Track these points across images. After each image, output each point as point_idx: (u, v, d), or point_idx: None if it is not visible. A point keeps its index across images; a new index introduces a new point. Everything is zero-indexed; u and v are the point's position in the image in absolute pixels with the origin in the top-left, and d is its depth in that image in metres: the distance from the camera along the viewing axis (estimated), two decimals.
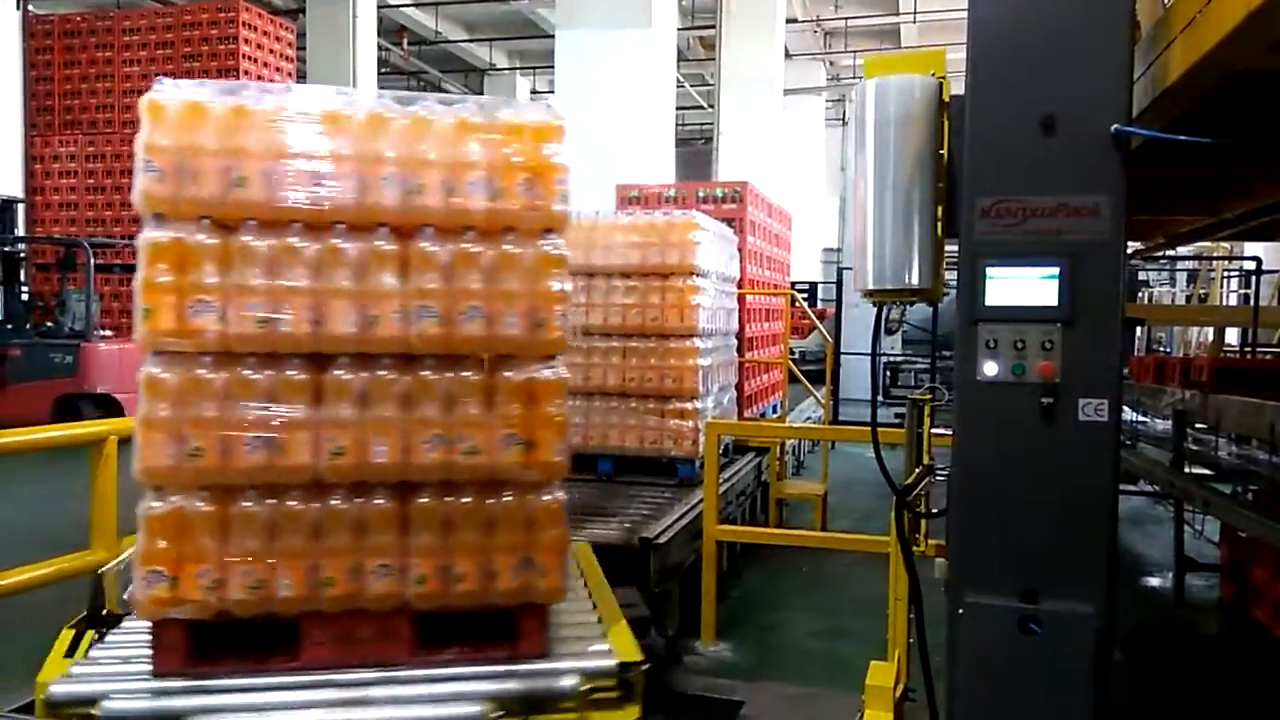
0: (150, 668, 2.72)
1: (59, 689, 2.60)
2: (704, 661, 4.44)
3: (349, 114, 2.84)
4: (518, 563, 2.86)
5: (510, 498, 2.88)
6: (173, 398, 2.70)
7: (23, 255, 11.38)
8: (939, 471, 3.48)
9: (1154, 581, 6.06)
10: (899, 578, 2.98)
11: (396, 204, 2.80)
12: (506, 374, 2.90)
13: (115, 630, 3.03)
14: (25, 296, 11.33)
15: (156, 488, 2.73)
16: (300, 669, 2.75)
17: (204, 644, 2.74)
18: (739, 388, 7.06)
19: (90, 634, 2.97)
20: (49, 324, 11.17)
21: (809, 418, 9.63)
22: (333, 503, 2.79)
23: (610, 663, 2.84)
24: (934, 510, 2.67)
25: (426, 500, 2.84)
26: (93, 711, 2.55)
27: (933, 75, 2.40)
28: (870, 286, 2.42)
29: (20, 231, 11.62)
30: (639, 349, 5.72)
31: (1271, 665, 4.66)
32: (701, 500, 4.85)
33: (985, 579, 2.27)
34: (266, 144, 2.76)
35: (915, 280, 2.37)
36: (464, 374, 2.86)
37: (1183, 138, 2.34)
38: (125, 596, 2.79)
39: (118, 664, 2.80)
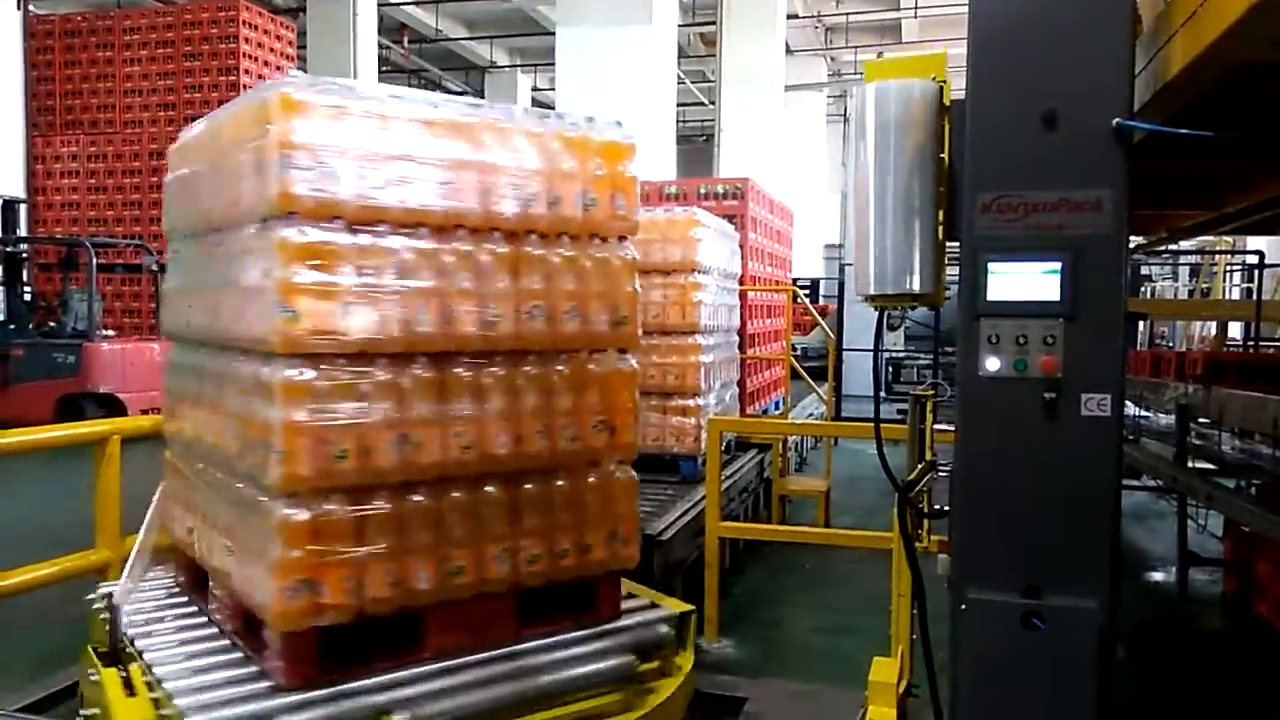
0: (267, 683, 2.63)
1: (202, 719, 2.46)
2: (707, 658, 4.44)
3: (465, 121, 2.94)
4: (607, 535, 3.24)
5: (594, 479, 3.23)
6: (317, 401, 2.62)
7: (25, 255, 11.40)
8: (941, 467, 3.48)
9: (1157, 576, 6.06)
10: (901, 574, 2.97)
11: (514, 211, 3.00)
12: (591, 366, 3.24)
13: (149, 655, 2.87)
14: (28, 296, 11.35)
15: (293, 494, 2.62)
16: (429, 659, 2.82)
17: (331, 650, 2.69)
18: (741, 384, 7.06)
19: (136, 668, 2.82)
20: (51, 324, 11.20)
21: (811, 414, 9.63)
22: (454, 495, 2.90)
23: (670, 612, 3.34)
24: (937, 507, 2.67)
25: (532, 486, 3.06)
26: None
27: (933, 79, 2.40)
28: (871, 291, 2.41)
29: (22, 231, 11.64)
30: (641, 346, 5.70)
31: (1275, 660, 4.66)
32: (704, 497, 4.84)
33: (988, 575, 2.27)
34: (397, 148, 2.78)
35: (916, 285, 2.36)
36: (559, 367, 3.13)
37: (1184, 131, 2.33)
38: (273, 611, 2.62)
39: (227, 686, 2.64)
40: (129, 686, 2.72)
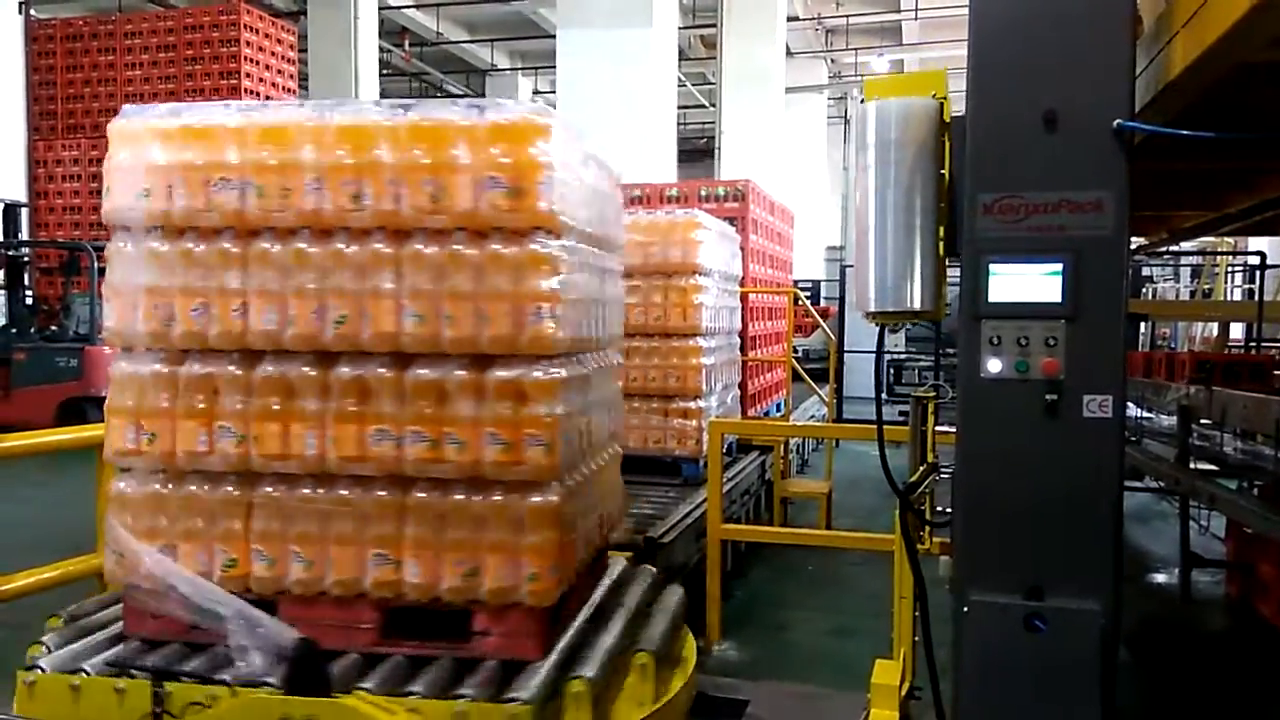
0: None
1: None
2: (709, 661, 4.43)
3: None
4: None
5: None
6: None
7: (26, 259, 11.41)
8: (943, 469, 3.47)
9: (1160, 578, 6.05)
10: (903, 576, 2.97)
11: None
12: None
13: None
14: (29, 301, 11.36)
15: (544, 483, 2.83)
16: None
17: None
18: (742, 386, 7.05)
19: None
20: (53, 328, 11.20)
21: (813, 416, 9.62)
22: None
23: None
24: (939, 509, 2.67)
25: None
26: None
27: (933, 95, 2.41)
28: (872, 308, 2.43)
29: (24, 235, 11.65)
30: (642, 348, 5.71)
31: (1278, 660, 4.65)
32: (705, 499, 4.84)
33: (990, 576, 2.27)
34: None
35: (917, 303, 2.37)
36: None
37: (1185, 132, 2.33)
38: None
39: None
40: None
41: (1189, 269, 16.72)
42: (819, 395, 8.73)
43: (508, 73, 24.11)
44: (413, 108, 2.92)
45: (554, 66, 11.42)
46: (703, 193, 7.31)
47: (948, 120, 2.40)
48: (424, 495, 2.86)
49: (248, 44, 13.08)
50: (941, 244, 2.39)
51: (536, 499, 2.82)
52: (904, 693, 2.85)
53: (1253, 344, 9.66)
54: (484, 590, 2.81)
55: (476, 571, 2.81)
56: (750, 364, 7.39)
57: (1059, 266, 2.20)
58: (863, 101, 2.45)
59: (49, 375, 10.38)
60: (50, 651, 2.92)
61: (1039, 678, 2.21)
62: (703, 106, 23.65)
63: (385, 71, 20.12)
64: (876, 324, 2.55)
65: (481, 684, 2.69)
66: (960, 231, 2.32)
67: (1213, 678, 4.51)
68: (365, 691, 2.64)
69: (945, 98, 2.42)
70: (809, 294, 16.19)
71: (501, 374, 2.80)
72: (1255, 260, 10.73)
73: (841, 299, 13.13)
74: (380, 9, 17.28)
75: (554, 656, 2.83)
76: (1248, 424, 4.90)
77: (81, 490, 3.25)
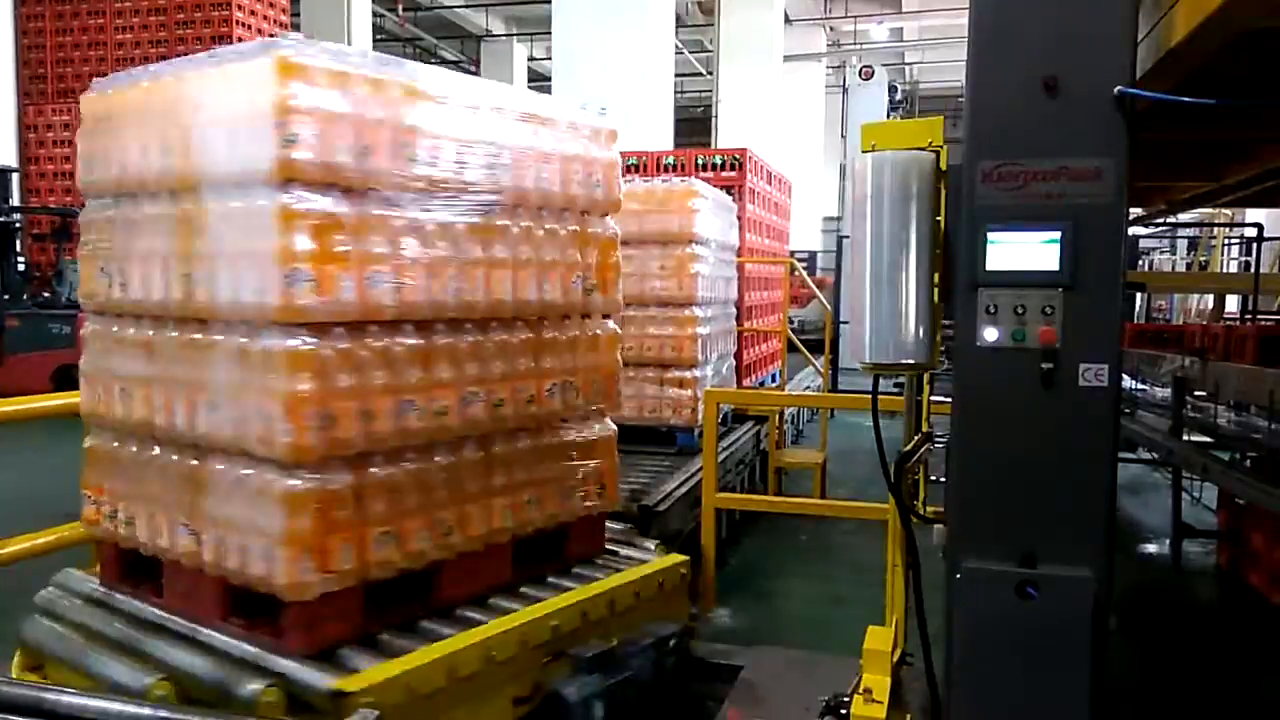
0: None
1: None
2: (704, 627, 4.47)
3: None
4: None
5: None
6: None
7: (18, 226, 11.33)
8: (938, 439, 3.48)
9: (1151, 548, 6.10)
10: (896, 544, 2.98)
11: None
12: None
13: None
14: (22, 267, 11.30)
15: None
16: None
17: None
18: (738, 356, 7.06)
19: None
20: (46, 294, 11.15)
21: (808, 386, 9.63)
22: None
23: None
24: (933, 478, 2.68)
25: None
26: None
27: (929, 144, 2.41)
28: (867, 360, 2.44)
29: (15, 201, 11.56)
30: (637, 318, 5.70)
31: (1267, 630, 4.70)
32: (700, 468, 4.85)
33: (983, 544, 2.28)
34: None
35: (911, 357, 2.40)
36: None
37: (1187, 99, 2.31)
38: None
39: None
40: None
41: (1186, 241, 16.70)
42: (814, 366, 8.73)
43: (503, 39, 23.87)
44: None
45: (550, 33, 11.30)
46: (700, 161, 7.26)
47: (944, 169, 2.41)
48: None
49: (239, 7, 12.91)
50: (936, 290, 2.41)
51: None
52: (896, 659, 2.87)
53: (1249, 316, 9.67)
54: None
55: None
56: (746, 334, 7.39)
57: (1057, 235, 2.19)
58: (862, 151, 2.45)
59: (43, 342, 10.35)
60: None
61: (1030, 644, 2.22)
62: (700, 75, 23.48)
63: (379, 36, 19.91)
64: (871, 374, 2.58)
65: None
66: (955, 278, 2.34)
67: (1202, 647, 4.56)
68: None
69: (942, 145, 2.44)
70: (805, 264, 16.17)
71: None
72: (1252, 232, 10.71)
73: (838, 269, 13.10)
74: None
75: None
76: (1242, 396, 4.91)
77: (75, 456, 3.25)
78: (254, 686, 2.48)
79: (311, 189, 2.62)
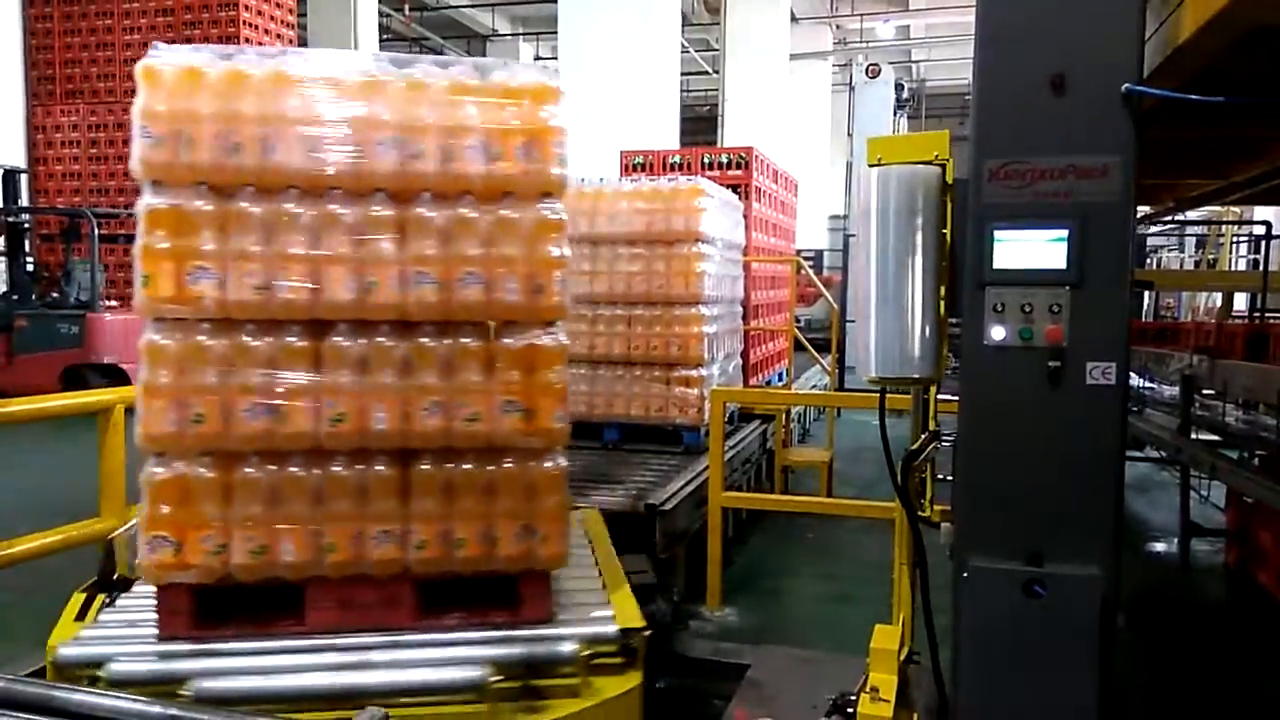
0: (156, 632, 2.76)
1: (67, 651, 2.64)
2: (710, 626, 4.47)
3: (344, 78, 2.82)
4: (519, 529, 2.88)
5: (511, 464, 2.89)
6: (174, 364, 2.71)
7: (27, 226, 11.37)
8: (945, 437, 3.47)
9: (1159, 547, 6.07)
10: (903, 543, 2.98)
11: (393, 169, 2.78)
12: (506, 340, 2.90)
13: (125, 595, 3.07)
14: (30, 267, 11.34)
15: (159, 454, 2.74)
16: (304, 633, 2.78)
17: (209, 609, 2.77)
18: (744, 355, 7.05)
19: (100, 599, 3.01)
20: (55, 295, 11.19)
21: (814, 385, 9.62)
22: (334, 469, 2.79)
23: (611, 629, 2.87)
24: (940, 476, 2.67)
25: (427, 466, 2.84)
26: (99, 673, 2.58)
27: (935, 158, 2.41)
28: (873, 374, 2.45)
29: (24, 202, 11.60)
30: (644, 317, 5.70)
31: (1276, 630, 4.68)
32: (707, 467, 4.86)
33: (990, 542, 2.27)
34: (262, 109, 2.74)
35: (916, 370, 2.40)
36: (463, 340, 2.86)
37: (1194, 97, 2.30)
38: (136, 562, 2.80)
39: (125, 628, 2.84)
40: (84, 614, 2.94)
41: (1194, 239, 16.63)
42: (821, 365, 8.72)
43: (509, 38, 23.88)
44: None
45: (556, 32, 11.30)
46: (706, 160, 7.26)
47: (950, 182, 2.41)
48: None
49: (246, 8, 12.94)
50: (943, 304, 2.41)
51: None
52: (903, 658, 2.87)
53: (1257, 314, 9.63)
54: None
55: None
56: (752, 333, 7.38)
57: (1064, 233, 2.18)
58: (868, 165, 2.45)
59: (51, 342, 10.39)
60: None
61: (1038, 643, 2.22)
62: (706, 73, 23.46)
63: (385, 36, 19.94)
64: (878, 387, 2.58)
65: None
66: (960, 293, 2.34)
67: (1210, 646, 4.54)
68: None
69: (948, 159, 2.44)
70: (812, 263, 16.15)
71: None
72: (1261, 230, 10.66)
73: (844, 268, 13.07)
74: None
75: None
76: (1250, 394, 4.90)
77: (84, 456, 3.26)
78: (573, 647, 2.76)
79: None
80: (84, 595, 3.02)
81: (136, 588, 3.09)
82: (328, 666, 2.67)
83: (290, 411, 2.74)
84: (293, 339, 2.78)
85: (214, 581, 2.75)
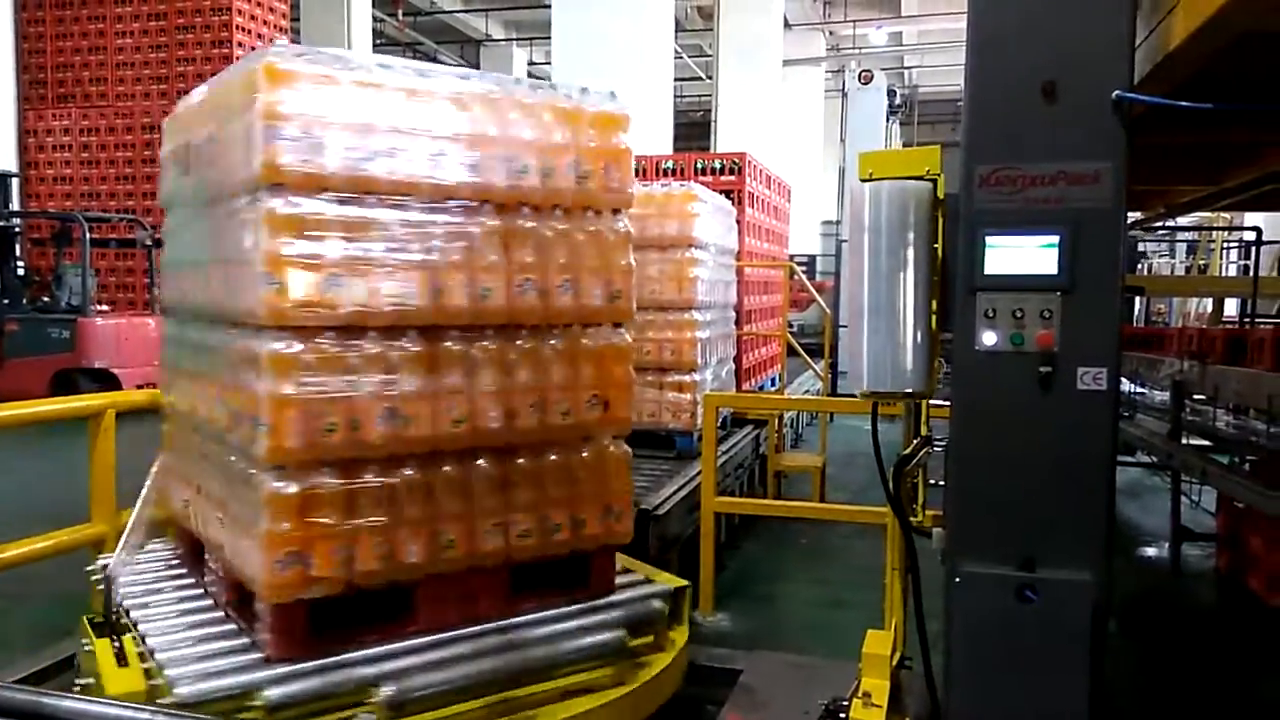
0: (258, 654, 2.64)
1: (191, 689, 2.44)
2: (702, 631, 4.46)
3: (464, 93, 2.93)
4: (601, 510, 3.23)
5: (589, 452, 3.22)
6: (305, 374, 2.62)
7: (18, 230, 11.33)
8: (937, 442, 3.48)
9: (1150, 551, 6.09)
10: (895, 548, 2.99)
11: (504, 183, 2.97)
12: (585, 341, 3.20)
13: (143, 625, 2.89)
14: (21, 271, 11.29)
15: (281, 467, 2.62)
16: (421, 631, 2.84)
17: (322, 622, 2.71)
18: (737, 360, 7.05)
19: (129, 639, 2.83)
20: (45, 299, 11.14)
21: (807, 390, 9.63)
22: (446, 469, 2.90)
23: (667, 587, 3.38)
24: (932, 481, 2.68)
25: (524, 461, 3.06)
26: (254, 703, 2.46)
27: (926, 173, 2.42)
28: (865, 388, 2.46)
29: (15, 206, 11.56)
30: (636, 321, 5.65)
31: (1266, 634, 4.69)
32: (700, 472, 4.85)
33: (982, 548, 2.28)
34: (394, 120, 2.77)
35: (909, 384, 2.42)
36: (552, 341, 3.12)
37: (1184, 103, 2.31)
38: (262, 581, 2.63)
39: (218, 658, 2.66)
40: (121, 657, 2.73)
41: (1185, 245, 16.71)
42: (814, 370, 8.73)
43: (502, 43, 23.90)
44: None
45: (549, 37, 11.32)
46: (699, 165, 7.26)
47: (941, 197, 2.42)
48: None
49: (239, 12, 12.92)
50: (934, 318, 2.42)
51: None
52: (895, 663, 2.87)
53: (1247, 320, 9.67)
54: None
55: None
56: (745, 338, 7.38)
57: (1055, 239, 2.19)
58: (860, 180, 2.46)
59: (42, 346, 10.34)
60: None
61: (1029, 648, 2.22)
62: (700, 79, 23.51)
63: (379, 41, 19.94)
64: (870, 401, 2.59)
65: None
66: (953, 308, 2.35)
67: (1201, 650, 4.55)
68: None
69: (939, 174, 2.45)
70: (805, 268, 16.18)
71: None
72: (1251, 236, 10.72)
73: (837, 273, 13.09)
74: None
75: None
76: (1240, 399, 4.92)
77: (75, 461, 3.25)
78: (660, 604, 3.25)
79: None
80: (101, 639, 2.83)
81: (139, 617, 2.94)
82: (485, 652, 2.81)
83: (415, 416, 2.80)
84: (410, 344, 2.82)
85: (339, 592, 2.71)
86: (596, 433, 3.24)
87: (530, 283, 3.03)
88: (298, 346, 2.61)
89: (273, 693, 2.48)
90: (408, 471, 2.83)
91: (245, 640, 2.74)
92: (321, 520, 2.65)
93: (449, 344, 2.89)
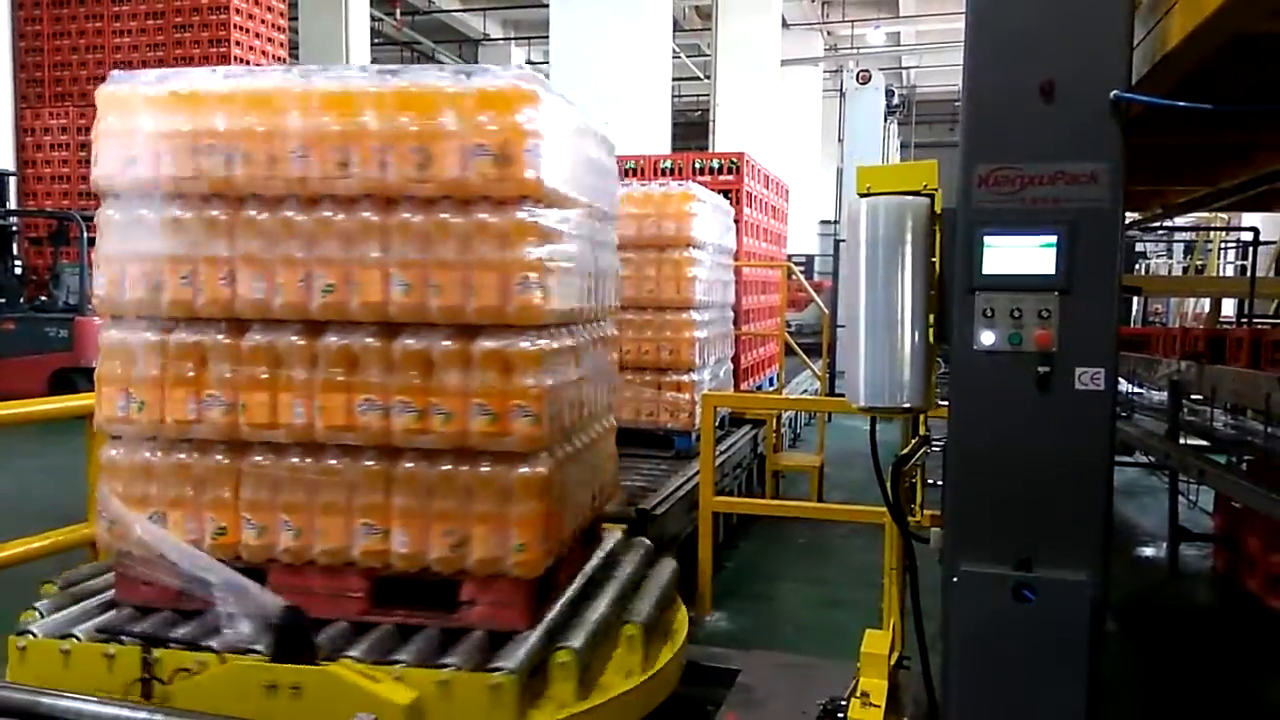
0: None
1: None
2: (700, 631, 4.46)
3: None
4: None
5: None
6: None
7: (15, 229, 11.32)
8: (935, 442, 3.48)
9: (1148, 552, 6.10)
10: (893, 547, 2.99)
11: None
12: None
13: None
14: (18, 270, 11.28)
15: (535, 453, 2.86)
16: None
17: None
18: (735, 360, 7.06)
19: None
20: (43, 298, 11.13)
21: (805, 390, 9.63)
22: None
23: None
24: (930, 481, 2.68)
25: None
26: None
27: (924, 188, 2.42)
28: (862, 404, 2.46)
29: (12, 205, 11.54)
30: (635, 321, 5.70)
31: (1264, 635, 4.70)
32: (698, 472, 4.85)
33: (980, 547, 2.28)
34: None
35: (906, 400, 2.41)
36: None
37: (1182, 104, 2.31)
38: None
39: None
40: None
41: (1182, 245, 16.71)
42: (812, 369, 8.73)
43: (500, 42, 23.89)
44: (399, 74, 2.90)
45: (547, 36, 11.31)
46: (697, 165, 7.26)
47: (939, 212, 2.42)
48: (411, 465, 2.87)
49: (237, 11, 12.91)
50: (931, 332, 2.42)
51: (524, 470, 2.82)
52: (893, 662, 2.87)
53: (1245, 320, 9.68)
54: (471, 561, 2.82)
55: (464, 542, 2.82)
56: (743, 337, 7.39)
57: (1053, 238, 2.20)
58: (858, 195, 2.46)
59: (39, 345, 10.34)
60: (43, 617, 2.95)
61: (1027, 648, 2.23)
62: (698, 79, 23.50)
63: (377, 40, 19.91)
64: (867, 416, 2.59)
65: (467, 653, 2.71)
66: (949, 321, 2.35)
67: (1198, 650, 4.56)
68: (352, 660, 2.65)
69: (936, 189, 2.44)
70: (803, 268, 16.18)
71: (488, 344, 2.81)
72: (1248, 236, 10.73)
73: (835, 273, 13.09)
74: None
75: (541, 627, 2.85)
76: (1237, 399, 4.92)
77: (72, 460, 3.25)
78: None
79: None
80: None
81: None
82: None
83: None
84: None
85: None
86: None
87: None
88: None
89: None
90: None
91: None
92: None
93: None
